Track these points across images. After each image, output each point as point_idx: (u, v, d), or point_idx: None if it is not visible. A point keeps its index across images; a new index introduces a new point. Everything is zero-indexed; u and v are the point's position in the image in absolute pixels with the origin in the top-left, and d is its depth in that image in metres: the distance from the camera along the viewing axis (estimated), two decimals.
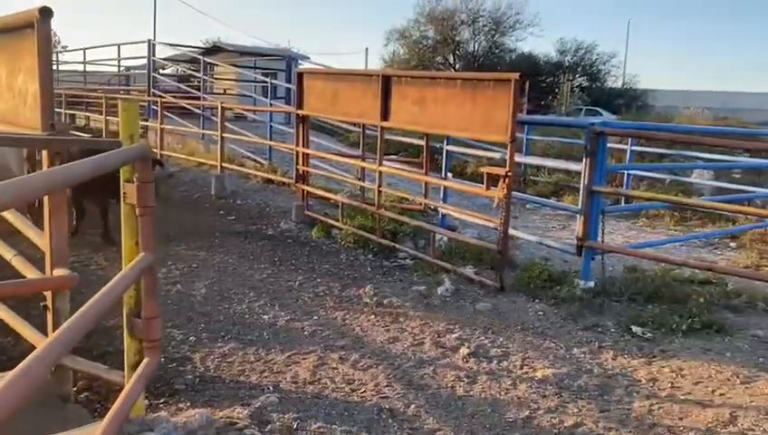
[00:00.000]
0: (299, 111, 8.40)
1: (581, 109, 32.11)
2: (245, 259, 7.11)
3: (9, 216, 3.19)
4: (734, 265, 6.88)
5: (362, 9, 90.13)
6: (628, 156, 10.42)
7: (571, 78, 31.19)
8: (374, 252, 7.26)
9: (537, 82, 32.30)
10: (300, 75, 8.44)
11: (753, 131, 12.07)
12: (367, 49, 42.96)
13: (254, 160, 11.88)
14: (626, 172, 10.20)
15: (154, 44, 15.42)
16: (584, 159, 5.55)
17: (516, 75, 5.43)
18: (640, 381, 4.15)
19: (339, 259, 7.17)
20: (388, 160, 8.56)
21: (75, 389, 3.76)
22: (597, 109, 31.76)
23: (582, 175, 5.57)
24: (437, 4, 35.28)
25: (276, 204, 9.80)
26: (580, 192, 5.67)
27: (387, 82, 6.86)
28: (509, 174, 5.57)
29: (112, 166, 2.63)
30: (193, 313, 5.45)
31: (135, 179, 2.53)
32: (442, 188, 7.56)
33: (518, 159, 10.59)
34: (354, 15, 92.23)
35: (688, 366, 4.35)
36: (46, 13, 2.73)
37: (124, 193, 2.55)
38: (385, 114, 6.89)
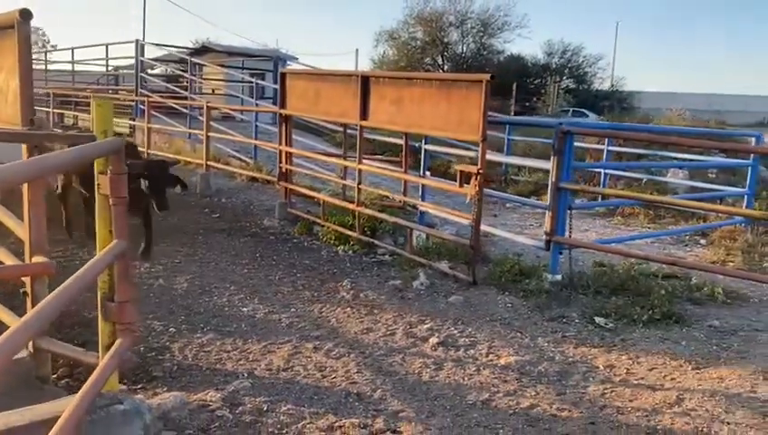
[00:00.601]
0: (282, 111, 8.58)
1: (568, 110, 32.45)
2: (227, 255, 7.27)
3: None
4: (700, 261, 7.12)
5: (353, 10, 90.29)
6: (605, 155, 10.67)
7: (557, 80, 31.48)
8: (354, 248, 7.44)
9: (525, 84, 32.63)
10: (282, 76, 8.62)
11: (727, 132, 12.36)
12: (357, 50, 42.99)
13: (240, 159, 12.04)
14: (602, 171, 10.45)
15: (142, 45, 15.54)
16: (552, 158, 5.76)
17: (487, 76, 5.63)
18: (598, 367, 4.36)
19: (319, 255, 7.35)
20: (372, 159, 8.75)
21: (56, 375, 3.92)
22: (583, 110, 32.09)
23: (551, 173, 5.78)
24: (426, 6, 35.56)
25: (260, 202, 9.97)
26: (548, 189, 5.88)
27: (366, 82, 7.04)
28: (480, 172, 5.76)
29: (88, 158, 2.81)
30: (174, 305, 5.61)
31: (108, 172, 2.70)
32: (420, 185, 7.75)
33: (499, 158, 10.85)
34: (344, 17, 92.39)
35: (645, 354, 4.56)
36: (26, 14, 2.90)
37: (98, 184, 2.73)
38: (364, 114, 7.07)
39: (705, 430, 3.35)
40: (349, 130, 8.62)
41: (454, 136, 6.36)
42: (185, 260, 6.96)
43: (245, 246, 7.72)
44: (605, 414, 3.60)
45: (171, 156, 12.55)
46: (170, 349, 4.69)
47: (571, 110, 32.39)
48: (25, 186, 2.91)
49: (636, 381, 4.09)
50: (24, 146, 3.01)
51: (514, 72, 34.33)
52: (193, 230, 8.32)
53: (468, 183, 5.95)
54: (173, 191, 6.78)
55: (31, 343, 3.12)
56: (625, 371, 4.27)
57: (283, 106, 8.56)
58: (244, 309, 5.61)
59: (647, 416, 3.55)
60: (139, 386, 4.01)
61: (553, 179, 5.74)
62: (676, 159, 10.28)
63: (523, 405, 3.75)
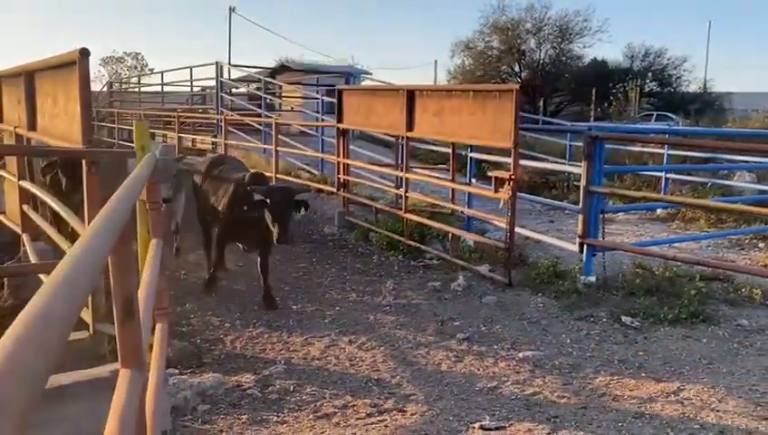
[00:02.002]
0: (339, 125, 9.13)
1: (652, 114, 31.45)
2: (287, 259, 7.84)
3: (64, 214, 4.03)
4: (752, 264, 7.02)
5: (433, 22, 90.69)
6: (665, 159, 10.55)
7: (638, 84, 30.53)
8: (404, 253, 7.82)
9: (607, 89, 31.91)
10: (339, 92, 9.17)
11: None
12: (436, 61, 43.27)
13: (309, 172, 12.71)
14: (663, 176, 10.33)
15: (221, 66, 16.65)
16: (583, 162, 5.95)
17: (517, 86, 5.92)
18: (612, 362, 4.54)
19: (370, 260, 7.80)
20: (422, 168, 9.13)
21: None
22: (668, 114, 30.99)
23: (582, 177, 5.97)
24: (502, 15, 35.49)
25: (323, 211, 10.53)
26: (580, 193, 6.06)
27: (411, 95, 7.46)
28: (513, 177, 6.03)
29: (147, 175, 3.35)
30: (232, 304, 6.21)
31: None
32: (467, 193, 8.05)
33: (527, 163, 10.90)
34: (424, 29, 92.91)
35: (663, 350, 4.69)
36: (84, 52, 3.52)
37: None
38: (410, 125, 7.49)
39: (691, 416, 3.51)
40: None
41: (488, 143, 6.64)
42: (248, 264, 7.56)
43: (304, 251, 8.28)
44: (600, 401, 3.81)
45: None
46: (223, 340, 5.26)
47: (655, 114, 31.38)
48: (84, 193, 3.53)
49: (644, 374, 4.25)
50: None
51: (596, 78, 33.60)
52: None
53: (503, 188, 6.22)
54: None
55: (91, 327, 3.73)
56: (637, 365, 4.44)
57: (340, 120, 9.10)
58: (294, 307, 6.14)
59: (640, 403, 3.74)
60: (189, 370, 4.58)
61: (584, 184, 5.92)
62: (746, 162, 10.03)
63: (527, 392, 4.02)
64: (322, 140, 12.56)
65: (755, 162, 9.88)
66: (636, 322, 5.27)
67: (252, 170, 6.62)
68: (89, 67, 3.59)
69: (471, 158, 8.01)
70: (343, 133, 9.19)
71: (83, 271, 1.27)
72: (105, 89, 27.23)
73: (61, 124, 4.17)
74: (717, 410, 3.56)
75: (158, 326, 3.48)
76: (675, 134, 8.42)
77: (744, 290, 5.85)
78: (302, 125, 14.66)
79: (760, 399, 3.71)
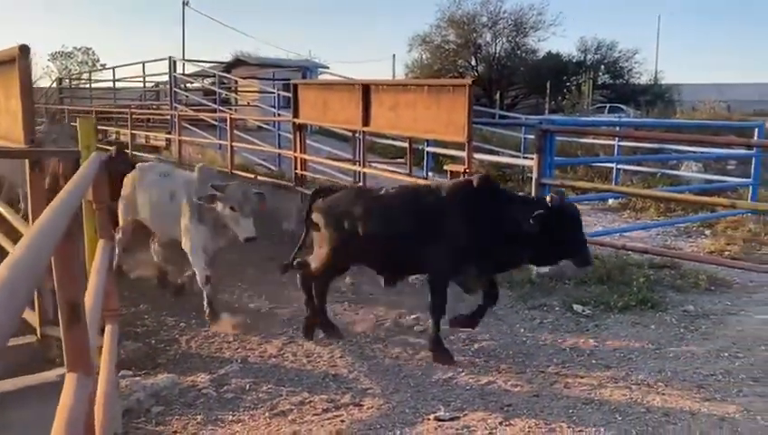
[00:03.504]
0: (295, 120, 9.08)
1: (605, 106, 32.11)
2: (243, 257, 7.75)
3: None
4: (698, 251, 7.26)
5: (390, 16, 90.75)
6: (615, 150, 10.83)
7: (592, 76, 31.11)
8: None
9: (561, 82, 32.45)
10: (295, 87, 9.11)
11: (739, 124, 12.25)
12: (394, 56, 43.52)
13: (266, 167, 12.61)
14: (615, 167, 10.61)
15: (175, 61, 16.37)
16: (534, 155, 6.05)
17: (470, 81, 5.99)
18: (564, 350, 4.65)
19: None
20: (379, 162, 9.15)
21: None
22: (620, 106, 31.70)
23: (533, 170, 6.07)
24: (457, 9, 35.76)
25: (281, 206, 10.47)
26: (532, 185, 6.17)
27: (367, 90, 7.46)
28: (467, 171, 6.10)
29: (92, 174, 3.28)
30: (188, 303, 6.11)
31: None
32: None
33: (484, 156, 11.05)
34: (381, 23, 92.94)
35: (613, 337, 4.83)
36: (25, 49, 3.42)
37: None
38: (366, 120, 7.49)
39: (638, 400, 3.63)
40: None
41: (443, 138, 6.71)
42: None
43: (262, 248, 8.18)
44: (552, 389, 3.91)
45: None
46: (178, 341, 5.19)
47: (608, 105, 32.05)
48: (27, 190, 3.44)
49: (595, 361, 4.37)
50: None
51: (550, 71, 34.16)
52: None
53: None
54: None
55: (38, 331, 3.64)
56: (588, 353, 4.55)
57: (296, 115, 9.04)
58: (251, 305, 6.10)
59: (590, 390, 3.85)
60: (143, 372, 4.50)
61: (536, 176, 6.03)
62: (693, 152, 10.35)
63: (482, 382, 4.09)
64: (279, 135, 12.47)
65: (701, 152, 10.20)
66: (587, 310, 5.40)
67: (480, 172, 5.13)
68: (30, 64, 3.49)
69: (428, 152, 8.07)
70: (300, 128, 9.14)
71: (23, 276, 1.24)
72: (54, 85, 26.48)
73: (2, 123, 4.05)
74: (663, 394, 3.69)
75: (107, 328, 3.42)
76: (625, 126, 8.64)
77: (690, 277, 6.05)
78: (257, 120, 14.51)
79: (703, 381, 3.85)
